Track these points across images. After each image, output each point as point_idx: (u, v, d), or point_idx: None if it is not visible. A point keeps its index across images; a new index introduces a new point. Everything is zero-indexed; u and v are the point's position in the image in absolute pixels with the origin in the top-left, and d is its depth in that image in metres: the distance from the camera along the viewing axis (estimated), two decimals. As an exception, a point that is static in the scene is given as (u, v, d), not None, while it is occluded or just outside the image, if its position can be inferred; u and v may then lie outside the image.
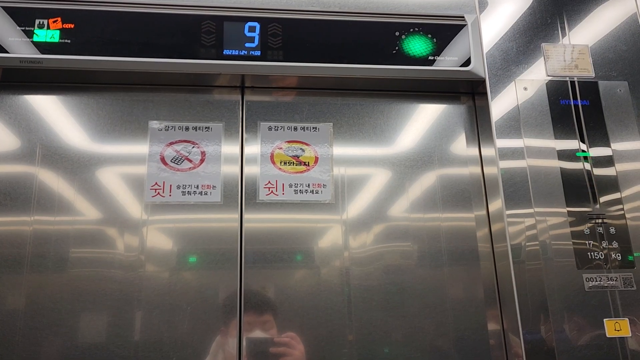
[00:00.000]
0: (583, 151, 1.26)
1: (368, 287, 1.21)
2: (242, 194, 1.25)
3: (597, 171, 1.25)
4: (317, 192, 1.27)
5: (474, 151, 1.35)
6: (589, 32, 1.38)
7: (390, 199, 1.29)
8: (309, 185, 1.28)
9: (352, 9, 1.35)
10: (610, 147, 1.27)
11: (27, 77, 1.27)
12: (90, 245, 1.18)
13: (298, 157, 1.30)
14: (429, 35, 1.33)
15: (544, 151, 1.25)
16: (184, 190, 1.24)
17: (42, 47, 1.21)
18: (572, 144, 1.27)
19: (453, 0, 1.40)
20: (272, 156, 1.29)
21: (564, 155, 1.25)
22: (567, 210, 1.21)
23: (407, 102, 1.38)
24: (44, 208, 1.20)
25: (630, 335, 1.13)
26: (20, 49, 1.21)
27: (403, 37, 1.32)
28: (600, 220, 1.21)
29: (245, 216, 1.24)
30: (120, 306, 1.15)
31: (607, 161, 1.26)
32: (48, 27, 1.23)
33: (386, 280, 1.22)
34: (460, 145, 1.36)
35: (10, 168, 1.22)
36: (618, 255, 1.18)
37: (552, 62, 1.34)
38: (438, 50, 1.32)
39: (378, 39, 1.31)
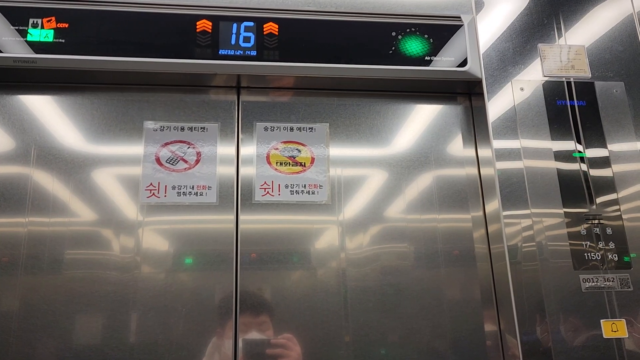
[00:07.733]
0: (579, 152, 1.26)
1: (364, 288, 1.21)
2: (238, 195, 1.25)
3: (594, 172, 1.25)
4: (313, 193, 1.27)
5: (470, 152, 1.35)
6: (585, 32, 1.38)
7: (387, 199, 1.29)
8: (305, 186, 1.27)
9: (349, 9, 1.34)
10: (606, 147, 1.27)
11: (21, 77, 1.26)
12: (85, 247, 1.18)
13: (294, 158, 1.30)
14: (426, 36, 1.33)
15: (541, 152, 1.25)
16: (180, 190, 1.23)
17: (36, 46, 1.21)
18: (569, 144, 1.27)
19: (449, 0, 1.39)
20: (268, 157, 1.29)
21: (560, 156, 1.25)
22: (564, 211, 1.21)
23: (404, 102, 1.38)
24: (39, 209, 1.19)
25: (627, 336, 1.13)
26: (14, 48, 1.20)
27: (400, 37, 1.32)
28: (596, 221, 1.21)
29: (241, 217, 1.23)
30: (115, 308, 1.14)
31: (604, 162, 1.26)
32: (42, 27, 1.22)
33: (383, 281, 1.22)
34: (457, 146, 1.36)
35: (5, 169, 1.21)
36: (615, 256, 1.18)
37: (548, 62, 1.34)
38: (435, 50, 1.32)
39: (374, 39, 1.31)
